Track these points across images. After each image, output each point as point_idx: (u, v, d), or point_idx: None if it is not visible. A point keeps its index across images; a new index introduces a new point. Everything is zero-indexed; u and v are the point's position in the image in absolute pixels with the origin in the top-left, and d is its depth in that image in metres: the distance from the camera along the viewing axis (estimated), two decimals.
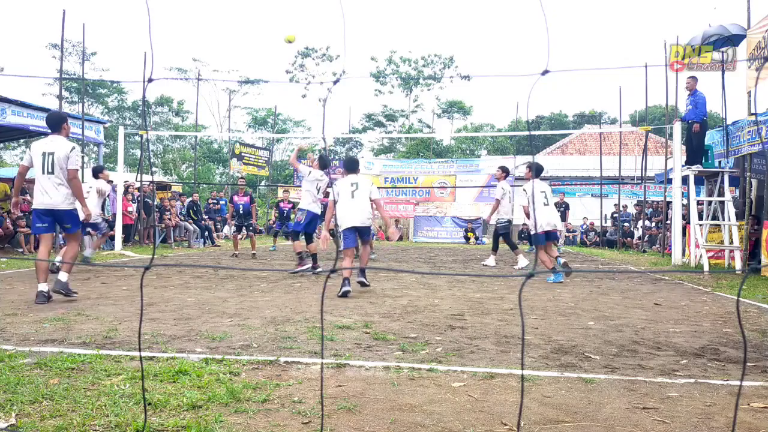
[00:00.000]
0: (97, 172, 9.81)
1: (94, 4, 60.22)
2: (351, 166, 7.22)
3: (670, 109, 14.36)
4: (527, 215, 8.40)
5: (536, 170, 8.60)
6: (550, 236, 8.25)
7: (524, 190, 8.34)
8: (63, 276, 5.56)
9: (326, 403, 2.61)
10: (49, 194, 5.47)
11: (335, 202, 6.93)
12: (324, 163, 8.83)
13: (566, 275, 8.04)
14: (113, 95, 39.73)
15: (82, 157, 14.73)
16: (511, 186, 11.97)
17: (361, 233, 6.94)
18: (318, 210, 8.61)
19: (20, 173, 5.84)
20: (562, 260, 8.15)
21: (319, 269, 8.28)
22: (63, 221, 5.59)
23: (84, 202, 5.73)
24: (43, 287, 5.37)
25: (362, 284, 6.88)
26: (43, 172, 5.48)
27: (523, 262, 9.88)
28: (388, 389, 2.85)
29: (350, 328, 4.33)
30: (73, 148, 5.60)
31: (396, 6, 69.10)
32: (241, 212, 12.02)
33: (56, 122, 5.72)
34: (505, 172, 10.39)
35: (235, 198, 12.23)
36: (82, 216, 5.73)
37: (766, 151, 9.92)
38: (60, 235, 10.00)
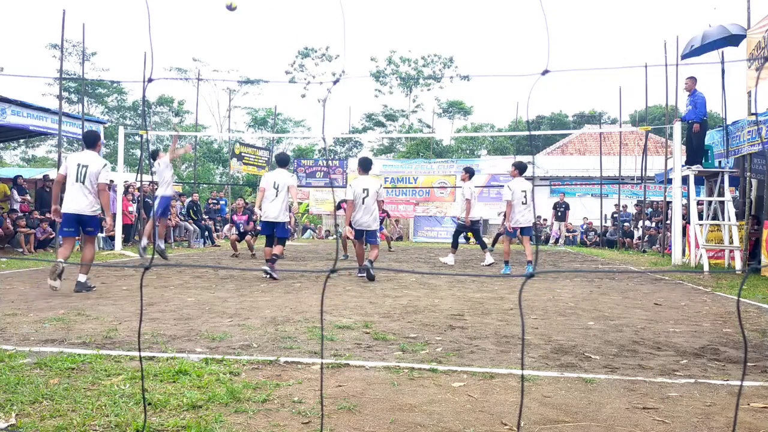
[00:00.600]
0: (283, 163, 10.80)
1: (94, 4, 60.24)
2: (366, 165, 7.99)
3: (670, 109, 14.36)
4: (508, 211, 8.86)
5: (520, 168, 8.95)
6: (524, 231, 8.83)
7: (508, 187, 8.77)
8: (81, 278, 6.24)
9: (326, 403, 2.61)
10: (78, 201, 6.21)
11: (353, 202, 7.72)
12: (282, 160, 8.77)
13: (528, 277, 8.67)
14: (113, 95, 39.72)
15: None
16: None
17: (368, 235, 7.80)
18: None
19: (58, 182, 6.52)
20: (531, 268, 8.58)
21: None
22: (87, 225, 6.34)
23: (109, 212, 6.61)
24: (55, 284, 5.85)
25: (369, 277, 7.51)
26: (75, 181, 6.24)
27: (489, 259, 10.29)
28: (388, 389, 2.85)
29: (350, 328, 4.33)
30: (105, 165, 6.39)
31: (396, 6, 69.11)
32: (240, 230, 12.16)
33: (92, 140, 6.59)
34: (468, 173, 10.55)
35: (235, 217, 12.45)
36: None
37: (766, 151, 9.92)
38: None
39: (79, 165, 6.26)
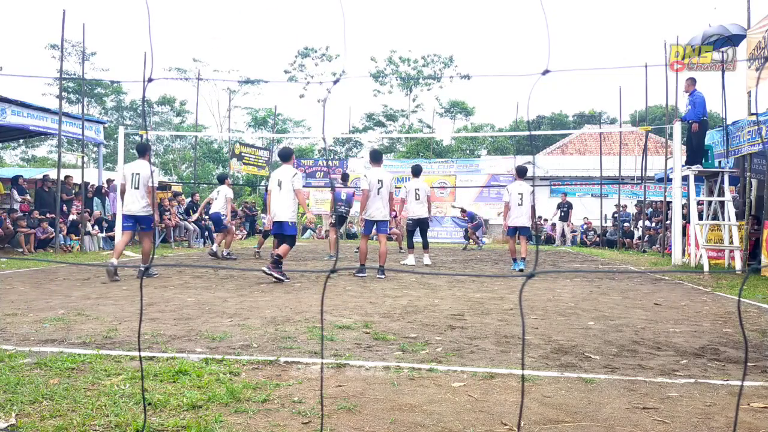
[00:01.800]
0: (222, 179, 11.40)
1: (94, 4, 60.23)
2: (378, 158, 8.35)
3: (670, 109, 14.36)
4: (505, 212, 9.52)
5: (520, 172, 9.59)
6: (520, 231, 9.33)
7: (507, 189, 9.45)
8: (142, 266, 7.74)
9: (326, 403, 2.61)
10: (134, 204, 7.51)
11: (369, 191, 7.99)
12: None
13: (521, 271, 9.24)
14: (112, 95, 39.71)
15: (82, 157, 14.75)
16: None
17: (380, 225, 8.13)
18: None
19: (122, 191, 7.69)
20: (518, 267, 9.32)
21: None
22: (141, 223, 7.63)
23: (156, 210, 7.93)
24: (113, 261, 7.43)
25: (382, 272, 7.99)
26: (131, 187, 7.53)
27: (410, 260, 10.22)
28: (388, 389, 2.85)
29: (350, 328, 4.33)
30: (153, 171, 7.57)
31: (396, 6, 69.11)
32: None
33: (142, 150, 7.99)
34: (414, 172, 10.67)
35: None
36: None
37: (766, 151, 9.92)
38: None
39: (133, 174, 7.54)
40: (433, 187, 23.70)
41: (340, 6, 1.74)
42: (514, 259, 9.48)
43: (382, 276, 7.95)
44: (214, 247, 11.18)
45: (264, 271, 7.31)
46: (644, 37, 64.95)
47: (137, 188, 7.49)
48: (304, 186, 8.09)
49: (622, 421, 2.46)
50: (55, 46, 35.61)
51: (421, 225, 10.36)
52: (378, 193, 8.00)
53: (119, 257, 7.63)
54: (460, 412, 2.54)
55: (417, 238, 10.75)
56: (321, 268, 9.53)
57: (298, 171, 7.92)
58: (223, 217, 11.02)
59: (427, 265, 9.96)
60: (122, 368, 3.11)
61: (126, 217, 7.69)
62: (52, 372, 3.01)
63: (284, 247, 7.46)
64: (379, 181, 7.98)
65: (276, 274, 7.26)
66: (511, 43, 68.99)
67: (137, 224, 7.62)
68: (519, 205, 9.19)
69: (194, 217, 15.05)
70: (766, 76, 9.07)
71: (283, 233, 7.53)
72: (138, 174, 7.51)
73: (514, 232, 9.38)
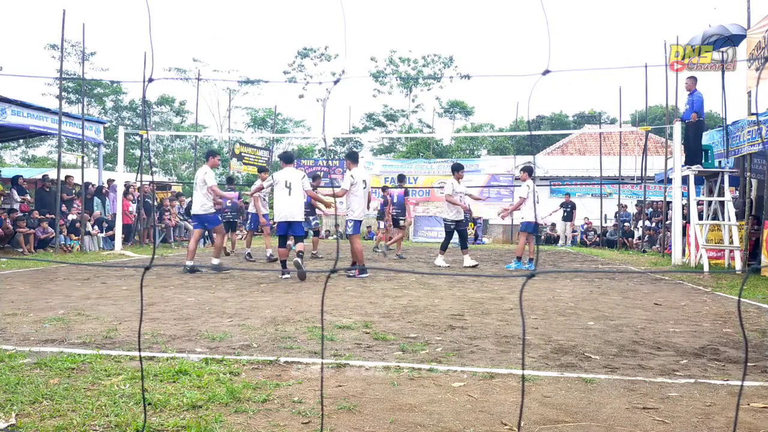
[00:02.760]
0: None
1: (94, 4, 60.25)
2: (357, 158, 8.51)
3: (670, 109, 14.35)
4: (516, 208, 9.88)
5: (530, 171, 9.96)
6: (533, 229, 9.68)
7: (527, 185, 9.59)
8: (215, 261, 9.02)
9: (326, 403, 2.61)
10: (195, 205, 8.75)
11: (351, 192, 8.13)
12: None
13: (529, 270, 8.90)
14: (111, 95, 39.70)
15: (82, 157, 14.74)
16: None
17: (359, 224, 8.33)
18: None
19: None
20: (518, 265, 9.54)
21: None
22: (206, 222, 8.74)
23: (221, 203, 9.19)
24: (189, 262, 8.24)
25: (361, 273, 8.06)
26: (194, 189, 8.84)
27: (440, 261, 10.18)
28: (388, 389, 2.85)
29: (350, 328, 4.33)
30: (206, 172, 8.50)
31: (396, 6, 69.14)
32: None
33: (207, 155, 9.08)
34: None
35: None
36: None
37: (767, 151, 9.92)
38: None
39: (197, 177, 8.53)
40: (432, 187, 23.74)
41: (341, 9, 1.74)
42: (531, 259, 9.81)
43: (363, 275, 8.09)
44: (248, 250, 11.33)
45: (296, 263, 7.47)
46: (644, 37, 64.99)
47: (198, 191, 8.78)
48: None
49: (622, 421, 2.46)
50: (55, 46, 35.59)
51: (458, 226, 10.34)
52: (363, 194, 8.22)
53: (193, 257, 8.46)
54: (460, 412, 2.54)
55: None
56: (321, 268, 9.53)
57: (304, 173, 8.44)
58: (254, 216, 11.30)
59: (471, 266, 9.95)
60: (122, 368, 3.11)
61: (193, 217, 9.17)
62: (52, 372, 3.01)
63: (300, 244, 7.89)
64: (363, 181, 8.19)
65: (291, 272, 7.76)
66: (511, 43, 69.03)
67: (203, 224, 8.81)
68: (537, 203, 9.49)
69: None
70: (766, 76, 9.07)
71: (296, 233, 7.90)
72: (195, 178, 8.78)
73: (534, 228, 9.76)
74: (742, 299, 6.28)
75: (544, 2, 1.61)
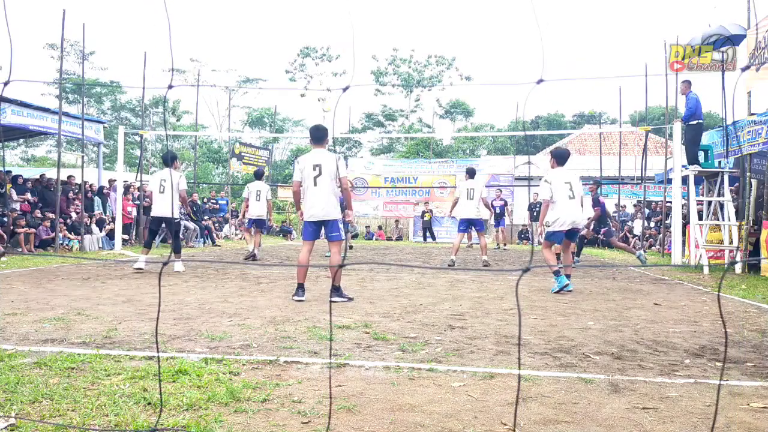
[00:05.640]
0: (259, 176, 11.78)
1: (94, 4, 60.25)
2: (319, 138, 5.91)
3: (670, 109, 14.36)
4: (540, 210, 7.31)
5: (559, 157, 6.93)
6: (571, 235, 6.89)
7: (546, 181, 6.79)
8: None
9: (326, 403, 2.61)
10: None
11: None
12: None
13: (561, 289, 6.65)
14: (110, 95, 39.70)
15: (82, 157, 14.74)
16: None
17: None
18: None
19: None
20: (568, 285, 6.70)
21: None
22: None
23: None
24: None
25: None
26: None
27: (140, 263, 8.27)
28: (388, 389, 2.85)
29: (350, 328, 4.33)
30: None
31: (396, 6, 69.14)
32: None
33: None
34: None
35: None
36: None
37: (766, 151, 9.92)
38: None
39: (314, 165, 5.75)
40: (432, 187, 23.74)
41: (348, 17, 1.74)
42: (568, 275, 6.79)
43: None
44: (255, 250, 10.91)
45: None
46: (644, 36, 65.01)
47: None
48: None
49: (622, 421, 2.46)
50: (54, 45, 35.59)
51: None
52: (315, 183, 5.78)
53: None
54: (460, 412, 2.54)
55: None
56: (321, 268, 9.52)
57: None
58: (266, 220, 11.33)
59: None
60: (122, 368, 3.11)
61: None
62: (51, 372, 3.01)
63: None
64: (315, 166, 5.74)
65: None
66: (512, 43, 69.03)
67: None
68: (571, 198, 6.70)
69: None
70: (766, 76, 9.08)
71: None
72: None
73: (561, 237, 6.89)
74: (741, 299, 6.29)
75: (542, 7, 1.62)
